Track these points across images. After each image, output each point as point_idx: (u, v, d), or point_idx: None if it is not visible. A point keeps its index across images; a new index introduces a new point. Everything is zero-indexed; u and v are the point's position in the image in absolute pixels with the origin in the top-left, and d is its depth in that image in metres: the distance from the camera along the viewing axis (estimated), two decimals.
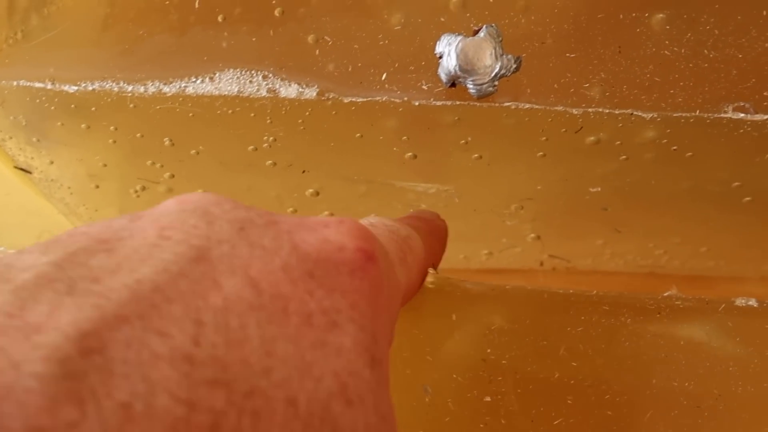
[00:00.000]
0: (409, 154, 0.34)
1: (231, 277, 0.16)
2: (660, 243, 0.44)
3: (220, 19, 0.32)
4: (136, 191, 0.39)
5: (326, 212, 0.40)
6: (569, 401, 0.28)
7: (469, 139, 0.33)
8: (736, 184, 0.36)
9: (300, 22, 0.32)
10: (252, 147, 0.34)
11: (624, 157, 0.34)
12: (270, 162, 0.35)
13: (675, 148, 0.33)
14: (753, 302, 0.29)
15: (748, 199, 0.37)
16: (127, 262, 0.16)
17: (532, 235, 0.42)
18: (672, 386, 0.29)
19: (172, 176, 0.37)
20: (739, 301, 0.29)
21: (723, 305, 0.29)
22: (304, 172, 0.36)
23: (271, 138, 0.33)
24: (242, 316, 0.16)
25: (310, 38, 0.32)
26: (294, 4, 0.32)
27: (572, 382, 0.29)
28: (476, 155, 0.34)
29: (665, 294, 0.29)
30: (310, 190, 0.38)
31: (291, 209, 0.39)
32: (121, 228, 0.17)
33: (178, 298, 0.15)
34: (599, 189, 0.37)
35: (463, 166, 0.35)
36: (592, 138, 0.33)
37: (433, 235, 0.29)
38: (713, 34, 0.32)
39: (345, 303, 0.18)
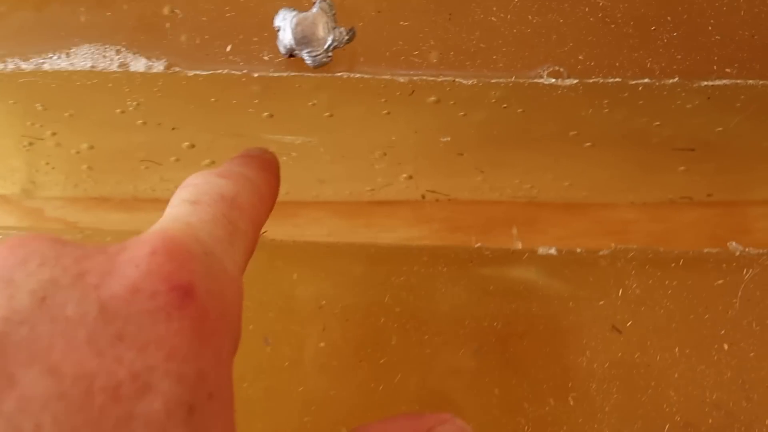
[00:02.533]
0: (266, 113, 0.37)
1: (29, 369, 0.15)
2: (533, 180, 0.47)
3: None
4: (25, 146, 0.41)
5: (207, 161, 0.43)
6: (393, 342, 0.32)
7: (315, 101, 0.36)
8: (573, 132, 0.39)
9: None
10: (119, 110, 0.37)
11: (462, 113, 0.37)
12: (140, 121, 0.38)
13: (505, 106, 0.36)
14: (553, 251, 0.33)
15: (588, 144, 0.41)
16: None
17: (405, 175, 0.45)
18: (482, 326, 0.33)
19: (54, 133, 0.40)
20: (542, 250, 0.33)
21: (527, 254, 0.33)
22: (173, 129, 0.39)
23: (135, 103, 0.36)
24: (38, 415, 0.15)
25: (166, 10, 0.34)
26: None
27: (396, 325, 0.33)
28: (327, 114, 0.37)
29: (476, 246, 0.33)
30: (186, 144, 0.41)
31: (173, 158, 0.42)
32: None
33: None
34: (449, 138, 0.40)
35: (319, 123, 0.38)
36: (431, 98, 0.36)
37: (266, 169, 0.28)
38: None
39: (161, 355, 0.17)
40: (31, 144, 0.41)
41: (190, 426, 0.16)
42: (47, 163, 0.44)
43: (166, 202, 0.48)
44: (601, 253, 0.33)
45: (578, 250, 0.33)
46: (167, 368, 0.16)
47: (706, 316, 0.33)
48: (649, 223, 0.53)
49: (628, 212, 0.53)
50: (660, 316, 0.33)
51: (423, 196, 0.50)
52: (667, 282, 0.33)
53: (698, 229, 0.53)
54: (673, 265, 0.33)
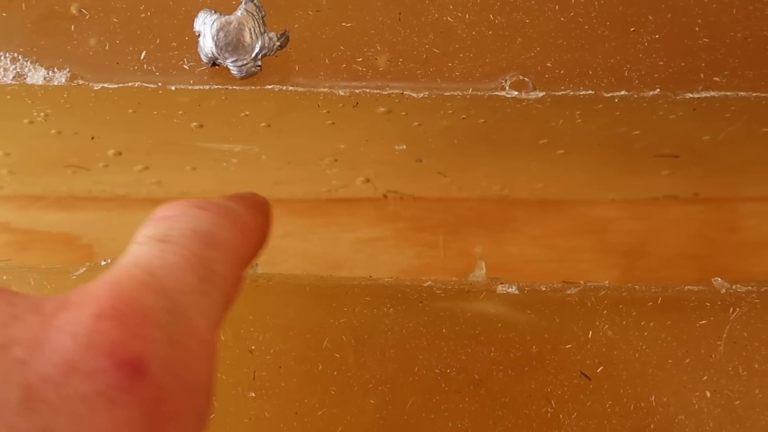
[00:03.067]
0: (194, 123, 0.33)
1: None
2: (503, 181, 0.43)
3: None
4: None
5: (138, 166, 0.38)
6: (332, 392, 0.29)
7: (248, 112, 0.31)
8: (543, 141, 0.35)
9: None
10: (27, 120, 0.33)
11: (417, 123, 0.33)
12: (54, 131, 0.34)
13: (464, 117, 0.32)
14: (513, 289, 0.29)
15: (561, 151, 0.36)
16: None
17: (361, 178, 0.41)
18: (434, 373, 0.29)
19: None
20: (501, 288, 0.29)
21: (484, 293, 0.29)
22: (93, 138, 0.35)
23: (42, 113, 0.32)
24: None
25: (73, 9, 0.30)
26: None
27: (335, 373, 0.29)
28: (264, 124, 0.33)
29: (426, 284, 0.29)
30: (111, 151, 0.36)
31: (102, 164, 0.38)
32: None
33: None
34: (405, 147, 0.36)
35: (256, 132, 0.34)
36: (380, 109, 0.31)
37: (254, 207, 0.24)
38: None
39: None
40: None
41: None
42: None
43: (107, 200, 0.45)
44: (569, 291, 0.29)
45: (543, 288, 0.29)
46: None
47: (687, 360, 0.29)
48: (631, 221, 0.49)
49: (609, 209, 0.49)
50: (635, 360, 0.29)
51: (385, 196, 0.46)
52: (643, 322, 0.29)
53: (684, 227, 0.49)
54: (650, 303, 0.29)
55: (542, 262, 0.49)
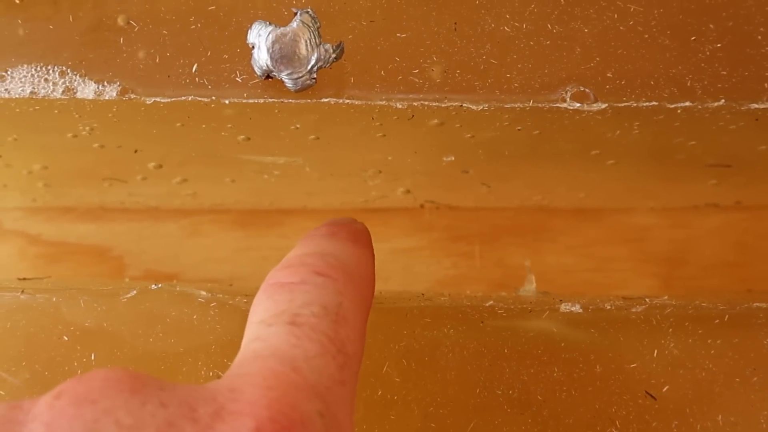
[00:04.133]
0: (242, 136, 0.32)
1: None
2: (543, 191, 0.43)
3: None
4: None
5: (177, 179, 0.38)
6: (392, 417, 0.28)
7: (299, 125, 0.31)
8: (595, 152, 0.34)
9: (104, 4, 0.29)
10: (71, 134, 0.32)
11: (469, 135, 0.32)
12: (97, 145, 0.33)
13: (520, 128, 0.31)
14: (577, 308, 0.28)
15: (611, 162, 0.36)
16: None
17: (402, 189, 0.40)
18: (496, 395, 0.28)
19: (0, 156, 0.35)
20: (564, 307, 0.28)
21: (547, 312, 0.28)
22: (136, 152, 0.34)
23: (88, 127, 0.31)
24: None
25: (120, 20, 0.29)
26: None
27: (395, 397, 0.28)
28: (313, 136, 0.32)
29: (487, 304, 0.28)
30: (152, 164, 0.36)
31: (139, 177, 0.37)
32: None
33: None
34: (453, 158, 0.35)
35: (303, 144, 0.33)
36: (434, 122, 0.31)
37: (359, 242, 0.24)
38: (559, 4, 0.29)
39: None
40: None
41: None
42: None
43: (138, 212, 0.44)
44: (633, 309, 0.28)
45: (607, 306, 0.28)
46: None
47: (755, 378, 0.28)
48: (669, 229, 0.49)
49: (647, 218, 0.48)
50: (701, 379, 0.28)
51: (422, 206, 0.45)
52: (709, 341, 0.28)
53: (723, 235, 0.48)
54: (716, 321, 0.28)
55: (579, 271, 0.48)
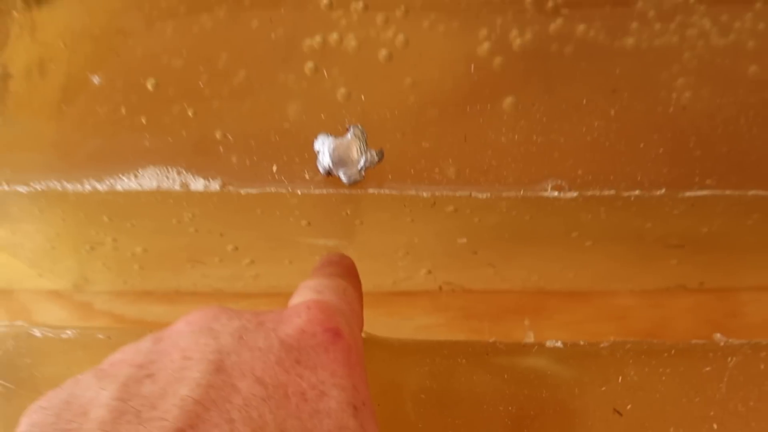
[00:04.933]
0: (304, 221, 0.42)
1: (243, 380, 0.22)
2: (540, 271, 0.52)
3: (143, 121, 0.40)
4: (86, 250, 0.47)
5: (247, 260, 0.48)
6: (420, 425, 0.37)
7: (349, 211, 0.41)
8: (575, 234, 0.44)
9: (207, 123, 0.40)
10: (175, 220, 0.42)
11: (477, 219, 0.42)
12: (193, 229, 0.43)
13: (514, 213, 0.41)
14: (559, 344, 0.37)
15: (589, 243, 0.46)
16: (169, 386, 0.21)
17: (424, 270, 0.50)
18: (498, 410, 0.37)
19: (115, 239, 0.45)
20: (549, 343, 0.38)
21: (536, 347, 0.38)
22: (221, 235, 0.44)
23: (190, 214, 0.41)
24: (258, 408, 0.21)
25: (218, 134, 0.40)
26: (203, 107, 0.40)
27: (422, 409, 0.37)
28: (358, 221, 0.42)
29: (491, 340, 0.38)
30: (230, 247, 0.46)
31: (217, 259, 0.48)
32: (149, 352, 0.23)
33: (212, 405, 0.20)
34: (465, 240, 0.45)
35: (351, 228, 0.43)
36: (450, 208, 0.41)
37: (350, 273, 0.35)
38: (542, 121, 0.40)
39: (327, 374, 0.24)
40: (92, 249, 0.46)
41: (357, 418, 0.23)
42: (103, 264, 0.49)
43: (205, 295, 0.54)
44: (602, 344, 0.37)
45: (581, 342, 0.37)
46: (333, 382, 0.23)
47: (697, 399, 0.37)
48: (647, 309, 0.58)
49: (628, 299, 0.58)
50: (656, 399, 0.37)
51: (440, 288, 0.55)
52: (661, 369, 0.37)
53: (694, 314, 0.58)
54: (665, 354, 0.37)
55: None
